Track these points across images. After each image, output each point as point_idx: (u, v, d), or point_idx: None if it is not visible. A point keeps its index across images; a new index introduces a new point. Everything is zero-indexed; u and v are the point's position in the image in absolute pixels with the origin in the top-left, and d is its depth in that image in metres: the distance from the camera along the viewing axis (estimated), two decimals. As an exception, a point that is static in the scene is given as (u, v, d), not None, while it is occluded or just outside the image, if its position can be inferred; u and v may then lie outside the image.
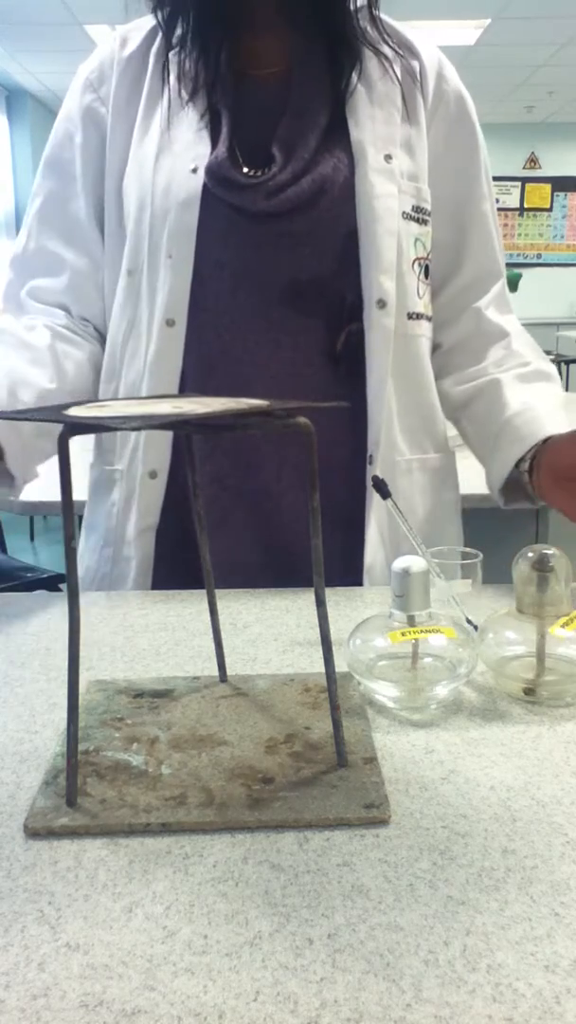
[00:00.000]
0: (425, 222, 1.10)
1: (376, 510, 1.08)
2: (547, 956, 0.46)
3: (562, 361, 7.99)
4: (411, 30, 1.13)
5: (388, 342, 1.05)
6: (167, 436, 1.09)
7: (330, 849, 0.55)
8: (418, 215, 1.09)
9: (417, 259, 1.09)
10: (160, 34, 1.08)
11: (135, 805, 0.59)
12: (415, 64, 1.10)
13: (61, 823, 0.57)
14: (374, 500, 1.08)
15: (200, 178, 1.02)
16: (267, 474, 1.08)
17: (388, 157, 1.05)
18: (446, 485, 1.19)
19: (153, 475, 1.09)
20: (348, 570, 1.09)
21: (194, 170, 1.02)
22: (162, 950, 0.47)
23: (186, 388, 1.07)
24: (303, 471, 1.06)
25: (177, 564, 1.10)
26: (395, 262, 1.05)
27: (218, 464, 1.08)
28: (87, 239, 1.12)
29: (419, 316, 1.11)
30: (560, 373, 8.10)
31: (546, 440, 1.00)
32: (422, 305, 1.11)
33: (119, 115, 1.09)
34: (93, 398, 1.15)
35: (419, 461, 1.13)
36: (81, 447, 1.13)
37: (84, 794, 0.60)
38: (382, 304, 1.04)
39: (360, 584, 1.08)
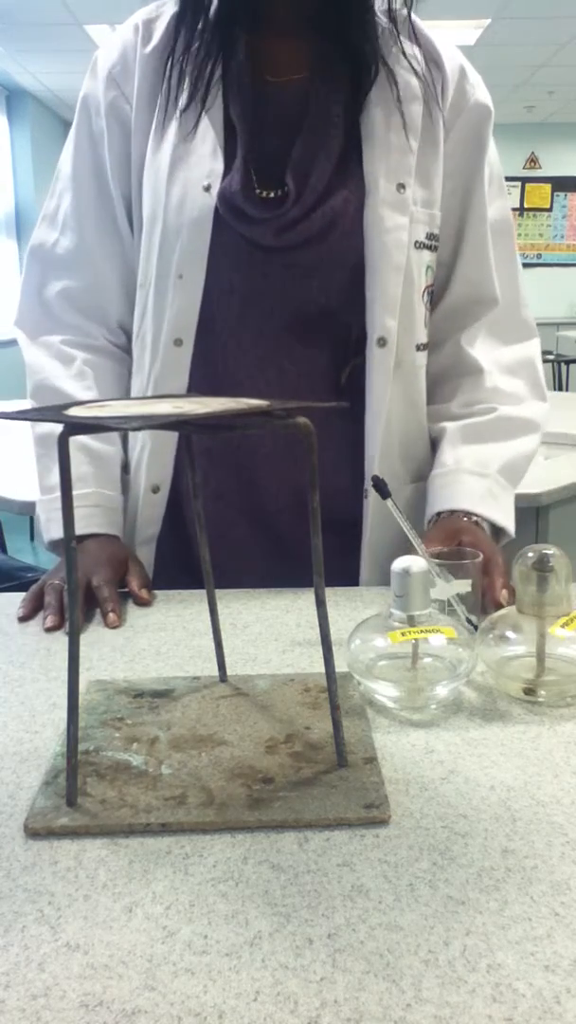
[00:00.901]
0: (435, 248, 1.08)
1: (370, 538, 1.08)
2: (547, 956, 0.46)
3: (562, 361, 7.99)
4: (436, 34, 1.09)
5: (387, 380, 1.04)
6: (170, 451, 1.09)
7: (330, 849, 0.55)
8: (431, 242, 1.07)
9: (427, 288, 1.08)
10: (181, 32, 1.04)
11: (135, 805, 0.59)
12: (439, 76, 1.06)
13: (61, 823, 0.57)
14: (369, 527, 1.08)
15: (212, 198, 1.00)
16: (267, 494, 1.08)
17: (401, 187, 1.02)
18: None
19: (155, 490, 1.09)
20: (344, 574, 1.10)
21: (207, 187, 1.00)
22: (162, 950, 0.47)
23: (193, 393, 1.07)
24: (301, 490, 1.06)
25: (177, 572, 1.10)
26: (399, 299, 1.03)
27: (219, 481, 1.08)
28: (124, 241, 1.11)
29: (425, 347, 1.10)
30: (560, 373, 8.10)
31: (452, 511, 1.03)
32: (427, 334, 1.10)
33: (141, 115, 1.06)
34: None
35: (415, 488, 1.13)
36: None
37: (84, 794, 0.60)
38: (383, 343, 1.03)
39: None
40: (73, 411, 0.61)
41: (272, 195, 1.02)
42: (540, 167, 9.26)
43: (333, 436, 1.06)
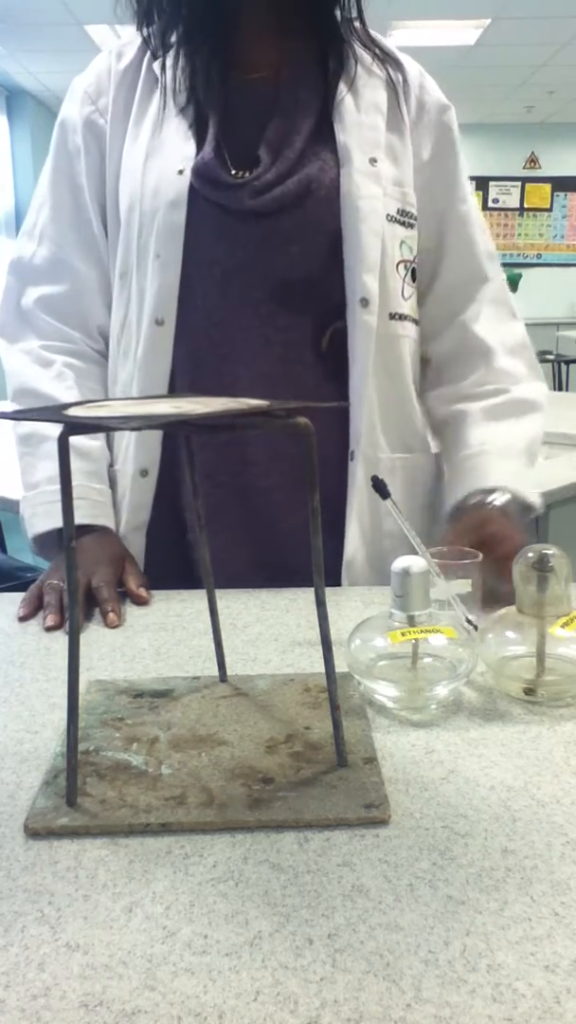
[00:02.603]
0: (411, 226, 1.11)
1: (357, 508, 1.08)
2: (547, 956, 0.46)
3: (562, 361, 7.99)
4: (392, 47, 1.15)
5: (370, 340, 1.06)
6: (157, 435, 1.09)
7: (330, 849, 0.55)
8: (404, 219, 1.10)
9: (403, 261, 1.10)
10: (152, 38, 1.09)
11: (135, 805, 0.59)
12: (398, 75, 1.12)
13: (61, 823, 0.57)
14: (355, 497, 1.08)
15: (187, 179, 1.03)
16: (258, 470, 1.08)
17: (373, 160, 1.06)
18: (428, 485, 1.19)
19: (144, 473, 1.09)
20: (327, 567, 1.09)
21: (181, 171, 1.03)
22: (162, 950, 0.47)
23: (175, 386, 1.07)
24: (294, 467, 1.06)
25: (169, 561, 1.11)
26: (379, 262, 1.05)
27: (209, 461, 1.08)
28: (100, 250, 1.13)
29: (403, 317, 1.11)
30: (560, 373, 8.09)
31: (488, 489, 1.03)
32: (407, 307, 1.12)
33: (116, 125, 1.10)
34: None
35: (401, 460, 1.14)
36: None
37: (84, 794, 0.60)
38: (365, 303, 1.05)
39: (338, 581, 1.08)
40: (73, 411, 0.61)
41: (247, 174, 1.04)
42: (540, 167, 9.26)
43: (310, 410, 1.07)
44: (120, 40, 1.16)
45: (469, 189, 1.18)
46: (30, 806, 0.60)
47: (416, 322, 1.15)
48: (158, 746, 0.67)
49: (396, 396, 1.12)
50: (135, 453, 1.09)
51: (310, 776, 0.62)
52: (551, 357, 8.06)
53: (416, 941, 0.47)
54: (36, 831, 0.57)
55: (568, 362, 7.92)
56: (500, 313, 1.17)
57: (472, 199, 1.18)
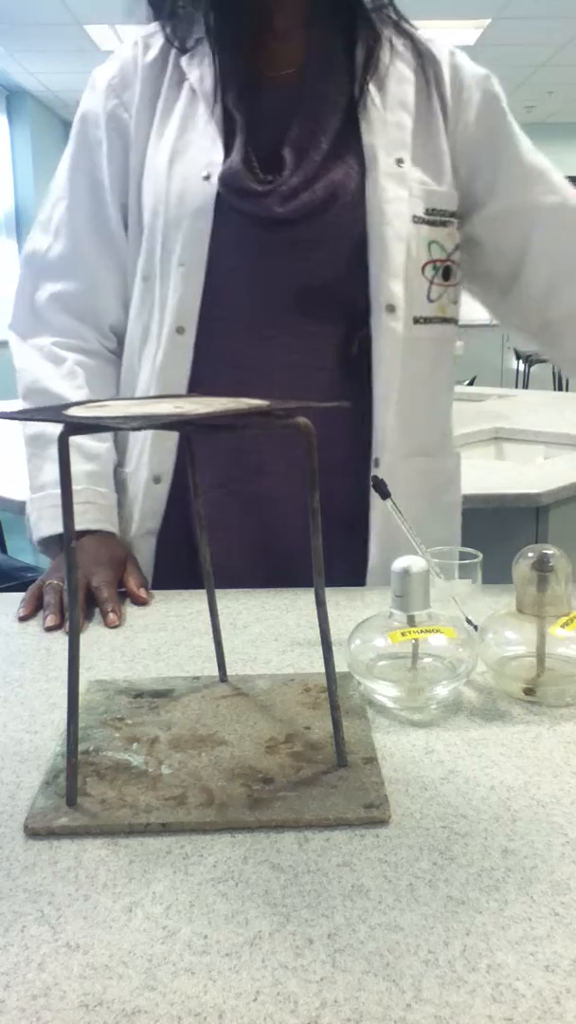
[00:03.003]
0: (444, 224, 1.09)
1: (380, 511, 1.08)
2: (547, 956, 0.46)
3: (562, 361, 7.96)
4: (426, 33, 1.12)
5: (396, 346, 1.05)
6: (173, 441, 1.09)
7: (330, 849, 0.55)
8: (432, 217, 1.07)
9: (431, 262, 1.08)
10: (179, 34, 1.07)
11: (135, 805, 0.59)
12: (429, 67, 1.09)
13: (61, 823, 0.57)
14: (377, 502, 1.07)
15: (213, 186, 1.02)
16: (271, 479, 1.08)
17: (399, 161, 1.04)
18: (448, 488, 1.19)
19: (157, 480, 1.09)
20: (352, 571, 1.09)
21: (207, 177, 1.02)
22: (162, 950, 0.47)
23: (196, 389, 1.07)
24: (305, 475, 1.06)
25: (178, 568, 1.10)
26: (403, 266, 1.04)
27: (223, 468, 1.08)
28: (119, 247, 1.12)
29: (427, 320, 1.09)
30: (560, 373, 8.07)
31: None
32: (433, 309, 1.10)
33: (141, 121, 1.08)
34: None
35: (424, 463, 1.13)
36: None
37: (84, 794, 0.60)
38: (391, 309, 1.04)
39: (363, 585, 1.08)
40: (73, 411, 0.61)
41: (272, 178, 1.03)
42: (540, 167, 9.26)
43: (336, 411, 1.06)
44: (146, 30, 1.12)
45: (530, 145, 1.13)
46: (30, 806, 0.60)
47: (446, 321, 1.12)
48: (158, 746, 0.67)
49: (420, 400, 1.11)
50: (149, 459, 1.09)
51: (310, 776, 0.62)
52: (551, 357, 8.05)
53: (416, 941, 0.47)
54: (36, 831, 0.57)
55: (568, 362, 7.91)
56: None
57: (538, 153, 1.14)
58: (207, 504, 1.04)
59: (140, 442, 1.11)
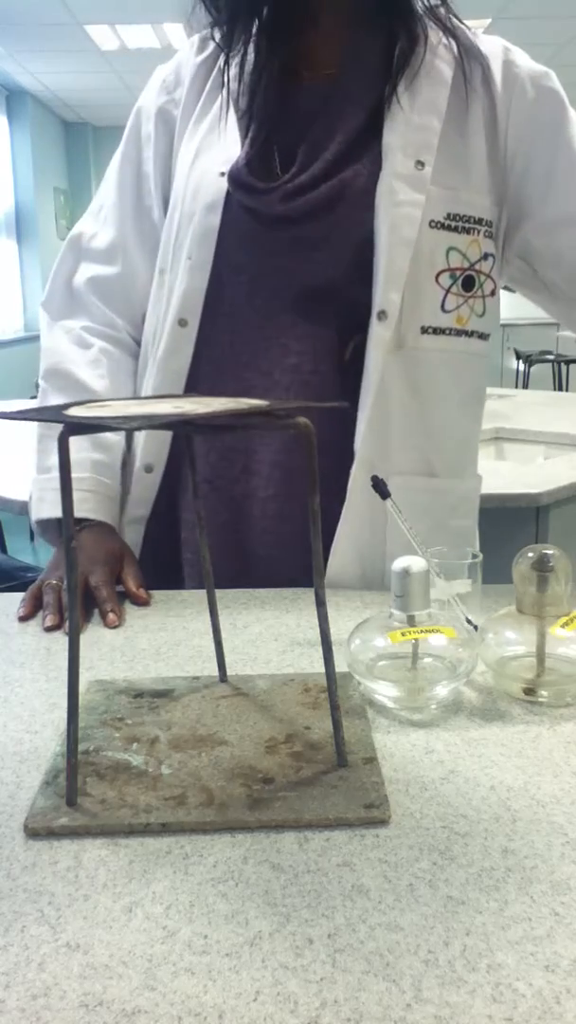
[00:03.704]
0: (468, 230, 1.04)
1: (350, 520, 1.04)
2: (547, 956, 0.46)
3: (562, 361, 7.99)
4: (480, 35, 1.07)
5: (383, 355, 1.02)
6: (167, 432, 1.10)
7: (330, 849, 0.55)
8: (456, 223, 1.03)
9: (449, 270, 1.04)
10: (230, 35, 1.06)
11: (135, 805, 0.59)
12: (475, 66, 1.04)
13: (61, 823, 0.57)
14: (349, 508, 1.04)
15: (226, 182, 1.02)
16: (259, 480, 1.07)
17: (420, 163, 1.01)
18: (460, 512, 1.13)
19: (148, 469, 1.10)
20: (308, 573, 1.08)
21: (222, 174, 1.03)
22: (162, 950, 0.47)
23: (195, 389, 1.07)
24: (290, 478, 1.06)
25: (159, 557, 1.10)
26: (405, 274, 1.00)
27: (212, 466, 1.08)
28: (158, 239, 1.13)
29: (440, 331, 1.05)
30: (560, 373, 8.08)
31: None
32: (449, 320, 1.05)
33: (184, 118, 1.11)
34: None
35: (427, 482, 1.08)
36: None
37: (84, 794, 0.61)
38: (382, 315, 1.00)
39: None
40: (73, 411, 0.61)
41: (284, 176, 1.03)
42: (540, 167, 9.25)
43: (325, 415, 1.05)
44: (205, 30, 1.12)
45: None
46: (30, 806, 0.60)
47: (467, 334, 1.07)
48: (158, 746, 0.67)
49: (424, 415, 1.06)
50: (143, 448, 1.10)
51: (310, 776, 0.62)
52: (551, 357, 8.06)
53: (416, 941, 0.47)
54: (36, 831, 0.57)
55: (568, 362, 7.92)
56: None
57: None
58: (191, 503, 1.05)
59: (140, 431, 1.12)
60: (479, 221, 1.05)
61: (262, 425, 0.62)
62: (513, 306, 6.62)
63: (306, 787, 0.61)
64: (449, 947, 0.47)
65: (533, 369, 8.10)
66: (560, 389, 7.92)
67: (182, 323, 1.05)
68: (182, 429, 0.64)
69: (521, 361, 8.08)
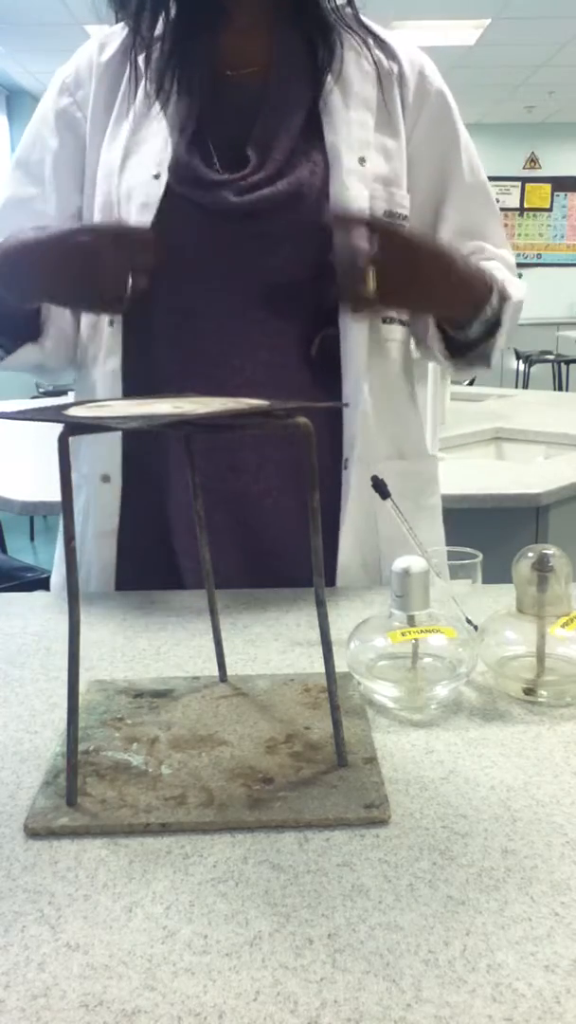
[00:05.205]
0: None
1: (351, 513, 1.07)
2: (547, 956, 0.46)
3: (562, 361, 7.99)
4: (390, 33, 1.12)
5: (363, 344, 1.05)
6: (116, 439, 1.07)
7: (330, 849, 0.55)
8: (392, 220, 1.06)
9: None
10: (140, 32, 1.06)
11: (135, 805, 0.59)
12: (394, 67, 1.09)
13: (61, 823, 0.57)
14: (349, 503, 1.06)
15: (162, 183, 1.01)
16: (248, 477, 1.07)
17: (362, 160, 1.04)
18: (426, 491, 1.18)
19: (105, 479, 1.07)
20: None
21: (156, 176, 1.01)
22: (162, 950, 0.47)
23: (164, 389, 1.06)
24: (284, 473, 1.05)
25: (145, 566, 1.09)
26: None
27: (202, 467, 1.07)
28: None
29: (392, 320, 1.10)
30: (560, 373, 8.08)
31: None
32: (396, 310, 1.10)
33: (96, 121, 1.08)
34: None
35: (402, 465, 1.12)
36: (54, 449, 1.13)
37: (84, 794, 0.61)
38: None
39: (333, 586, 1.08)
40: (73, 411, 0.61)
41: (234, 175, 1.02)
42: (540, 167, 9.26)
43: (312, 411, 1.05)
44: (106, 30, 1.12)
45: (473, 165, 1.13)
46: (30, 806, 0.60)
47: (404, 323, 1.12)
48: (158, 746, 0.67)
49: (391, 401, 1.11)
50: (94, 458, 1.08)
51: (310, 776, 0.62)
52: (551, 357, 8.07)
53: (416, 941, 0.47)
54: (36, 831, 0.57)
55: (568, 362, 7.92)
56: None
57: (477, 174, 1.13)
58: (184, 503, 1.04)
59: (86, 442, 1.09)
60: (406, 218, 1.09)
61: (262, 425, 0.62)
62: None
63: (306, 787, 0.61)
64: (449, 947, 0.47)
65: (533, 369, 8.10)
66: (560, 389, 7.92)
67: (110, 323, 1.05)
68: (182, 429, 0.64)
69: (521, 361, 8.08)
